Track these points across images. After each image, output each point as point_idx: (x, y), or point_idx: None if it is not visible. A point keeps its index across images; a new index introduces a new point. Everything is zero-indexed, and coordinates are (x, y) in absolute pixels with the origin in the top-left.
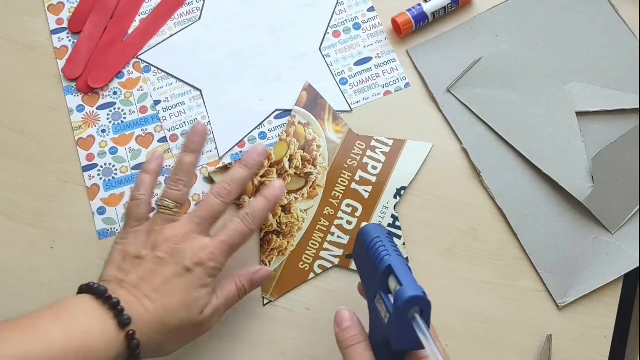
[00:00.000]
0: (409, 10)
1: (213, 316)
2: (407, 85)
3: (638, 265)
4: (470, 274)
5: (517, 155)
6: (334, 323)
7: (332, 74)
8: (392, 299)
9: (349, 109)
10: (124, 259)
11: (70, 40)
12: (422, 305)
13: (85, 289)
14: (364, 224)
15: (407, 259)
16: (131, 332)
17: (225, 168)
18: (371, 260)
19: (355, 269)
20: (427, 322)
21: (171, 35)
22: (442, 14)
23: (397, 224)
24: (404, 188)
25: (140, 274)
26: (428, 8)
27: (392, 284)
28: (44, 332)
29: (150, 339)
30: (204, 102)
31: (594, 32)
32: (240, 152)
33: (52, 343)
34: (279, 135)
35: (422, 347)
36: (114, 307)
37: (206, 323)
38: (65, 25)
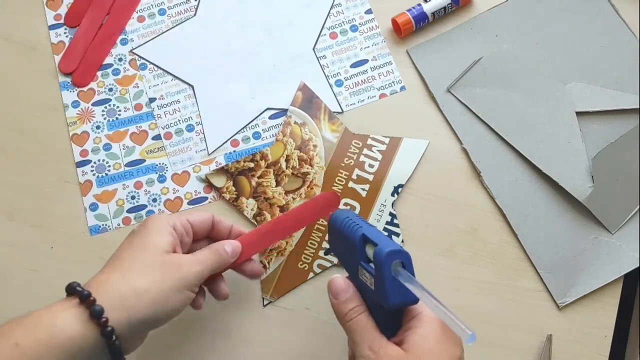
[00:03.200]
0: (409, 10)
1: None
2: (402, 88)
3: (638, 265)
4: (470, 274)
5: (517, 155)
6: (328, 292)
7: (325, 76)
8: (372, 265)
9: (341, 111)
10: None
11: (67, 36)
12: (402, 257)
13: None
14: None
15: None
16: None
17: (222, 169)
18: (346, 240)
19: None
20: (411, 273)
21: (166, 30)
22: (442, 14)
23: (395, 221)
24: (401, 186)
25: None
26: (428, 8)
27: (369, 250)
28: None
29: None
30: (195, 98)
31: (594, 32)
32: (234, 151)
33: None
34: (273, 135)
35: (414, 300)
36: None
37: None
38: (62, 20)
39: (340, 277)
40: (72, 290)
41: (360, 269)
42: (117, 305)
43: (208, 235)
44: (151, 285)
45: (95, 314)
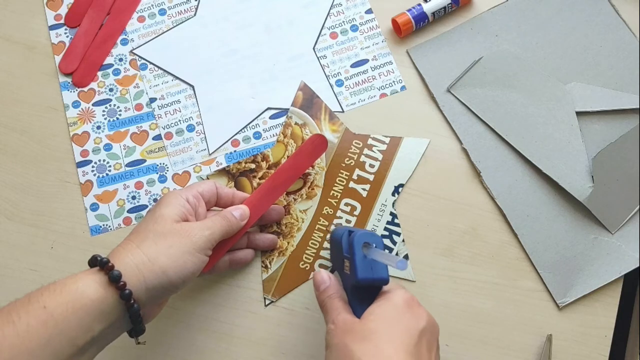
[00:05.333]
0: (409, 10)
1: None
2: (402, 88)
3: (638, 265)
4: (470, 274)
5: (517, 155)
6: (314, 287)
7: (326, 75)
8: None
9: (341, 110)
10: None
11: (67, 37)
12: (374, 240)
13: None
14: (333, 227)
15: (406, 255)
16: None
17: (224, 170)
18: (338, 244)
19: None
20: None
21: (166, 30)
22: (442, 14)
23: (396, 221)
24: (401, 185)
25: None
26: (428, 8)
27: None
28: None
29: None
30: (196, 98)
31: (594, 32)
32: (235, 151)
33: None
34: (274, 135)
35: (384, 279)
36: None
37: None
38: (63, 21)
39: (322, 271)
40: (94, 260)
41: (344, 262)
42: (134, 272)
43: (216, 204)
44: (163, 251)
45: (114, 278)
